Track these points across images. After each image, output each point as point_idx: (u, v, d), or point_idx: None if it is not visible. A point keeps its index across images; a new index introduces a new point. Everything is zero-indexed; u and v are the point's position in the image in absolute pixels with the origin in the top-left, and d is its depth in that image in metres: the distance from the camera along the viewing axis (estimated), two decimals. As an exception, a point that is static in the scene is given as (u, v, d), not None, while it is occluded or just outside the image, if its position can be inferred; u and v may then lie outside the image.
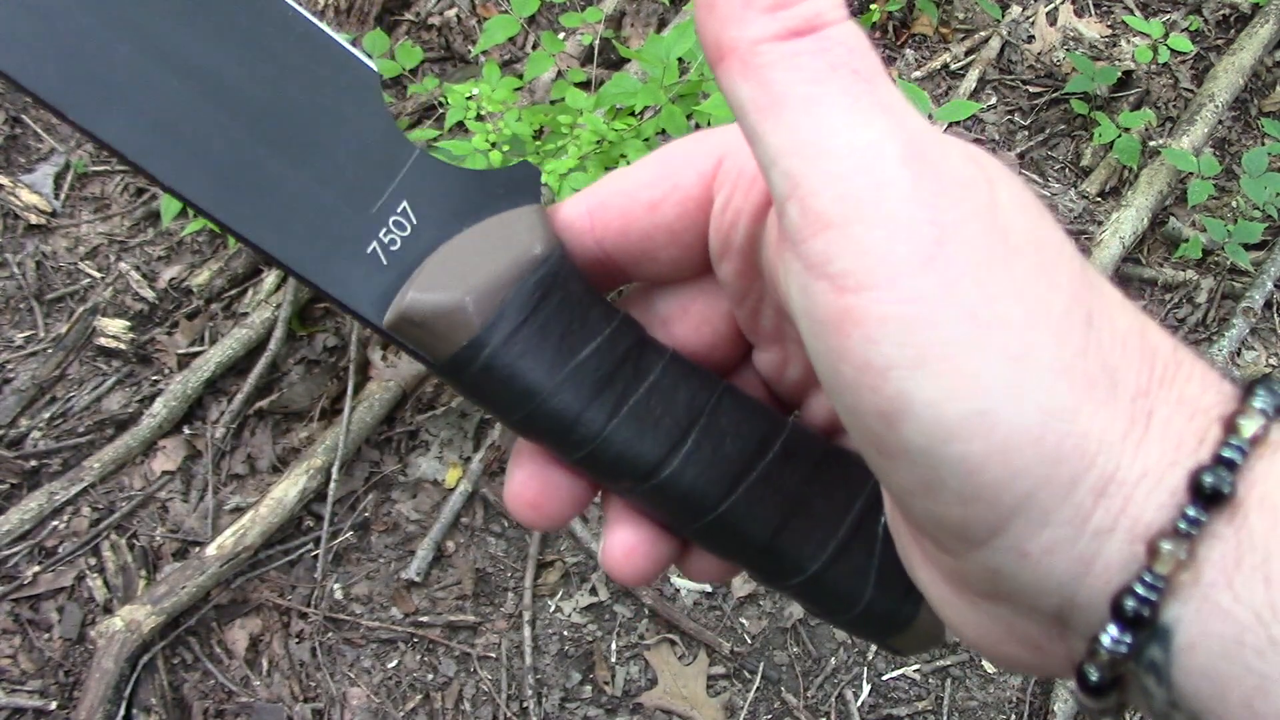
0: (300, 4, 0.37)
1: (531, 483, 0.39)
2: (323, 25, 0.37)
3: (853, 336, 0.28)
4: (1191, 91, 2.12)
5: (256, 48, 0.36)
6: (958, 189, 0.28)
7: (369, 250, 0.37)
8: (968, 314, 0.27)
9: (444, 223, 0.38)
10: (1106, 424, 0.28)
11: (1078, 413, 0.27)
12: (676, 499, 0.38)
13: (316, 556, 1.62)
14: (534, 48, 2.03)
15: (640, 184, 0.38)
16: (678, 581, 1.62)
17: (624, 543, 0.40)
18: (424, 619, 1.59)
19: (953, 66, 2.16)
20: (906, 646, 0.41)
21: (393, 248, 0.37)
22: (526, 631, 1.57)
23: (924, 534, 0.32)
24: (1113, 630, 0.28)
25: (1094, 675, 0.29)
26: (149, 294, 1.82)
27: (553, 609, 1.61)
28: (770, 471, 0.38)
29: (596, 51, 1.54)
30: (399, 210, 0.37)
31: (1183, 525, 0.27)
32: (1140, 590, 0.27)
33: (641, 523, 0.40)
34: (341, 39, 0.38)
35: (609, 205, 0.38)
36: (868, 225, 0.27)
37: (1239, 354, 1.85)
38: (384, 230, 0.37)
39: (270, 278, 1.84)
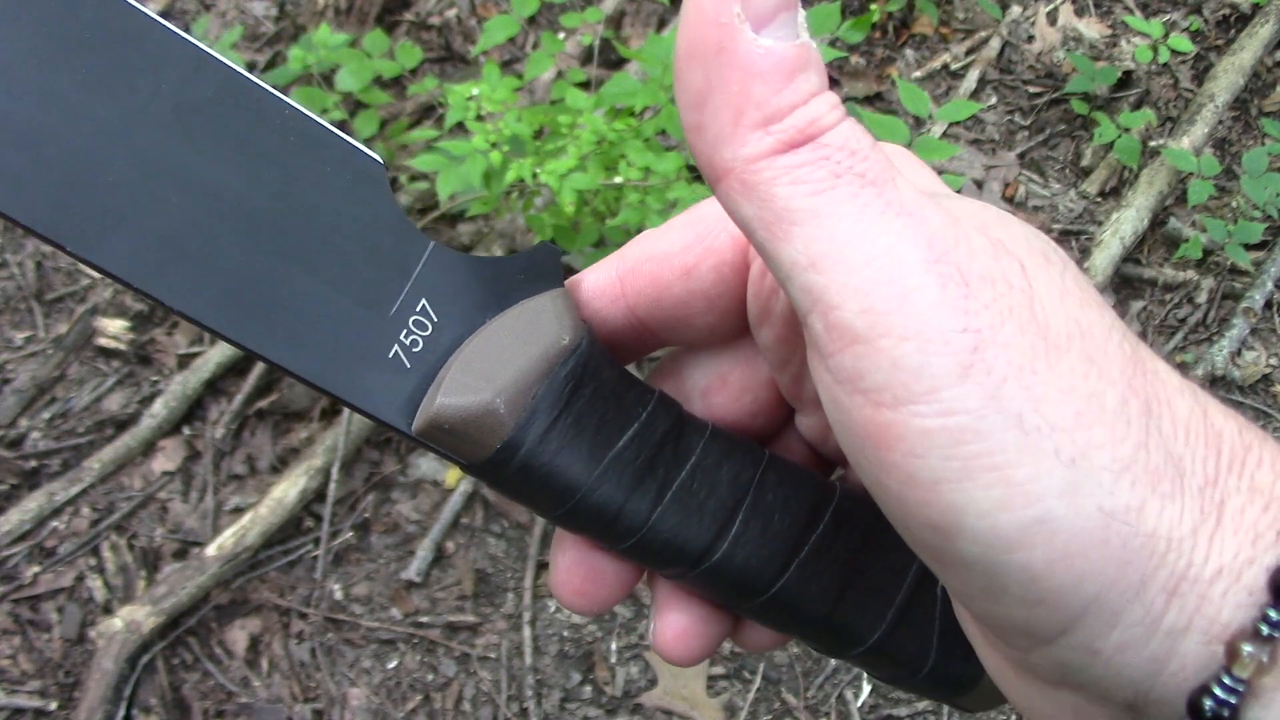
0: (293, 103, 0.35)
1: (577, 570, 0.38)
2: (321, 120, 0.36)
3: (895, 451, 0.26)
4: (1191, 91, 2.12)
5: (255, 152, 0.34)
6: (988, 287, 0.27)
7: (390, 355, 0.35)
8: (1014, 421, 0.26)
9: (466, 317, 0.36)
10: (1175, 519, 0.26)
11: (1143, 510, 0.26)
12: (728, 582, 0.36)
13: (316, 557, 1.62)
14: (534, 48, 2.02)
15: (672, 249, 0.36)
16: (678, 582, 1.62)
17: (675, 626, 0.38)
18: (424, 619, 1.59)
19: (953, 66, 2.16)
20: (975, 705, 0.40)
21: (415, 349, 0.35)
22: (526, 632, 1.57)
23: (987, 628, 0.31)
24: None
25: None
26: (149, 294, 1.82)
27: (553, 609, 1.60)
28: (822, 544, 0.37)
29: (596, 51, 1.54)
30: (418, 309, 0.36)
31: (1264, 628, 0.26)
32: (1219, 692, 0.26)
33: (691, 603, 0.38)
34: (341, 134, 0.36)
35: (640, 272, 0.37)
36: (897, 338, 0.26)
37: (1239, 354, 1.85)
38: (404, 332, 0.35)
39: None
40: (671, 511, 0.35)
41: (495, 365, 0.35)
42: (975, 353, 0.26)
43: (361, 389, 0.35)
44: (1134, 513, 0.26)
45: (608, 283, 0.37)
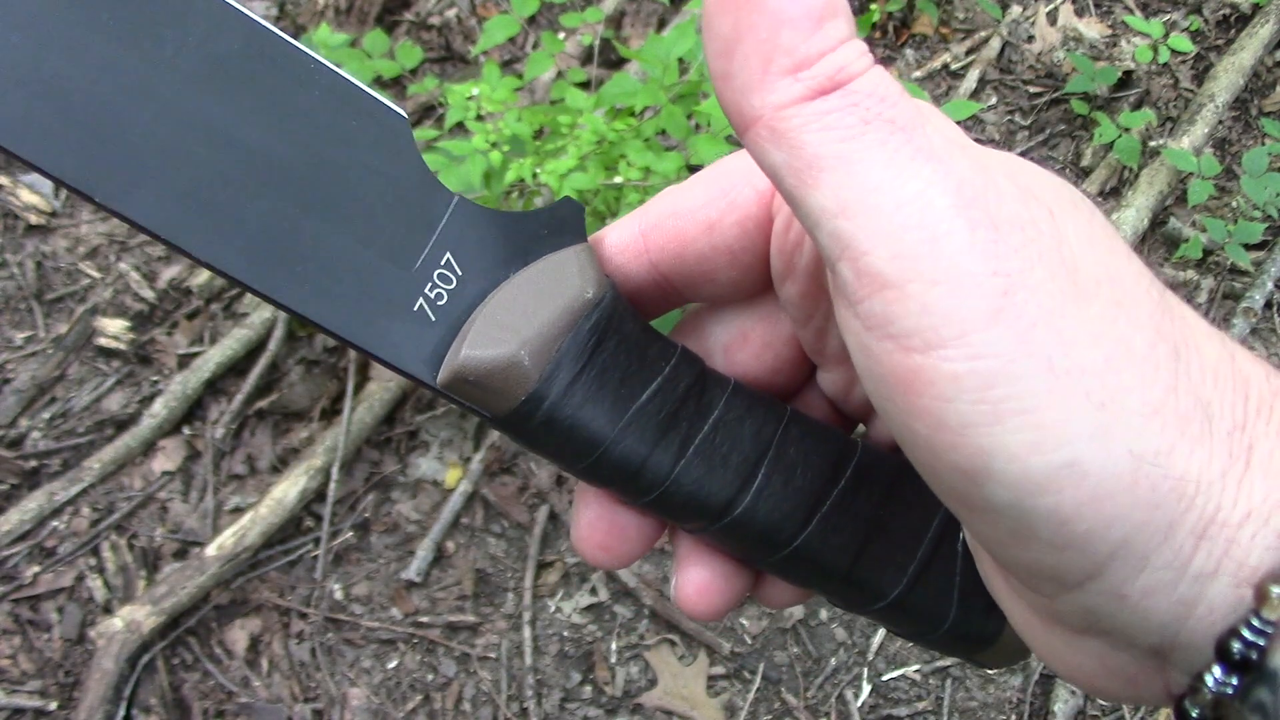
0: (315, 51, 0.35)
1: (599, 524, 0.38)
2: (346, 74, 0.36)
3: (924, 396, 0.26)
4: (1191, 91, 2.12)
5: (281, 105, 0.34)
6: (1017, 232, 0.27)
7: (416, 308, 0.35)
8: (1044, 364, 0.26)
9: (490, 271, 0.36)
10: (1204, 463, 0.26)
11: (1172, 454, 0.26)
12: (750, 536, 0.37)
13: (316, 556, 1.62)
14: (534, 48, 2.02)
15: (696, 204, 0.36)
16: (678, 581, 1.62)
17: (697, 581, 0.39)
18: (424, 619, 1.59)
19: (953, 66, 2.16)
20: (994, 661, 0.40)
21: (440, 303, 0.36)
22: (526, 632, 1.57)
23: (1013, 575, 0.31)
24: (1217, 671, 0.27)
25: (1195, 712, 0.28)
26: (149, 294, 1.82)
27: (553, 609, 1.61)
28: (844, 499, 0.37)
29: (596, 51, 1.54)
30: (443, 263, 0.36)
31: None
32: (1247, 634, 0.26)
33: (713, 558, 0.39)
34: (366, 87, 0.36)
35: (663, 227, 0.37)
36: (927, 282, 0.26)
37: (1239, 354, 1.85)
38: (429, 285, 0.36)
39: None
40: (694, 465, 0.36)
41: (520, 318, 0.35)
42: (1005, 296, 0.26)
43: (386, 341, 0.35)
44: (1163, 456, 0.26)
45: (631, 238, 0.37)
